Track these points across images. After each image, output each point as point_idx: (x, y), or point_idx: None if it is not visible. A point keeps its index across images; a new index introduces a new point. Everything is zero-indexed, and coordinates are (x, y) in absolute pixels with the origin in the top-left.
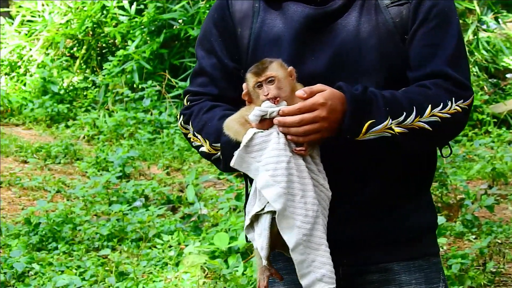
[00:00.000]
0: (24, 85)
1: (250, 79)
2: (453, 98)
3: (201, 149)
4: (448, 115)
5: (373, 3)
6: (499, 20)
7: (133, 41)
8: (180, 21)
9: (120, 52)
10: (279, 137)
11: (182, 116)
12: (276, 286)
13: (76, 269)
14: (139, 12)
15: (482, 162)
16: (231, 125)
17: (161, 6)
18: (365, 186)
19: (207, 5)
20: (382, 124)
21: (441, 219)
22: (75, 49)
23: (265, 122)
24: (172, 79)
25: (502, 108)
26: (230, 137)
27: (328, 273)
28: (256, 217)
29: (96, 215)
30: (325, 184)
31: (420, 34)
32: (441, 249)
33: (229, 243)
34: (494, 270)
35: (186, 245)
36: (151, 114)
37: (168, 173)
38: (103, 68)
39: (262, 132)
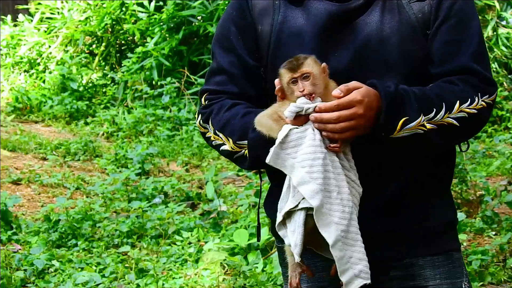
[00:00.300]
0: (43, 82)
1: (285, 75)
2: (479, 94)
3: (223, 147)
4: (475, 111)
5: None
6: None
7: (152, 38)
8: (199, 17)
9: (139, 49)
10: (314, 134)
11: (200, 115)
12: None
13: (95, 266)
14: (158, 9)
15: (502, 158)
16: (264, 121)
17: (180, 3)
18: (389, 183)
19: (226, 2)
20: (416, 121)
21: (461, 216)
22: (94, 46)
23: (300, 119)
24: (191, 76)
25: None
26: (261, 134)
27: (364, 269)
28: (289, 214)
29: (115, 212)
30: (357, 180)
31: (443, 30)
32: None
33: (248, 240)
34: None
35: (206, 242)
36: (170, 111)
37: (187, 170)
38: (122, 65)
39: (297, 128)
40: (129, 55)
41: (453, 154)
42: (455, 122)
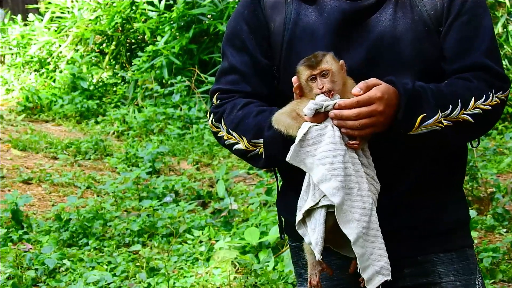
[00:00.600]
0: (54, 81)
1: (304, 72)
2: (493, 90)
3: (236, 146)
4: (489, 107)
5: None
6: None
7: (162, 36)
8: (209, 16)
9: (150, 48)
10: (334, 131)
11: (212, 115)
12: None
13: (107, 265)
14: (168, 7)
15: None
16: (282, 119)
17: (190, 2)
18: (402, 181)
19: (236, 0)
20: (434, 118)
21: (472, 213)
22: (104, 45)
23: (320, 116)
24: (202, 74)
25: None
26: (277, 132)
27: (385, 265)
28: (309, 212)
29: (126, 211)
30: (375, 177)
31: (456, 27)
32: None
33: (259, 238)
34: None
35: (217, 241)
36: (181, 110)
37: (198, 168)
38: (133, 63)
39: (317, 125)
40: (139, 54)
41: (465, 151)
42: (470, 118)
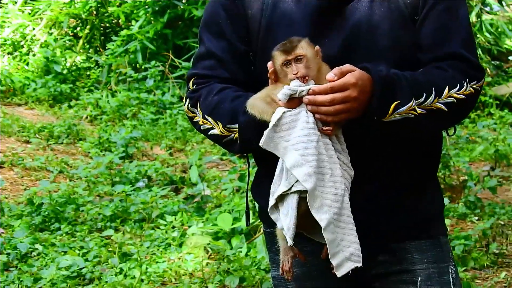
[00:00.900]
0: (27, 64)
1: (278, 57)
2: (468, 79)
3: (212, 131)
4: (463, 96)
5: None
6: (503, 2)
7: (136, 21)
8: (184, 1)
9: (124, 32)
10: (308, 116)
11: (188, 100)
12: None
13: (79, 250)
14: None
15: (485, 144)
16: (256, 104)
17: None
18: (380, 169)
19: None
20: (407, 105)
21: (444, 201)
22: (78, 28)
23: (294, 101)
24: (176, 60)
25: (504, 90)
26: (252, 117)
27: (356, 252)
28: (281, 198)
29: (99, 196)
30: (348, 163)
31: (432, 17)
32: None
33: (232, 224)
34: (497, 251)
35: (189, 226)
36: (154, 95)
37: (171, 154)
38: (107, 48)
39: (290, 111)
40: (114, 38)
41: (440, 139)
42: (444, 107)
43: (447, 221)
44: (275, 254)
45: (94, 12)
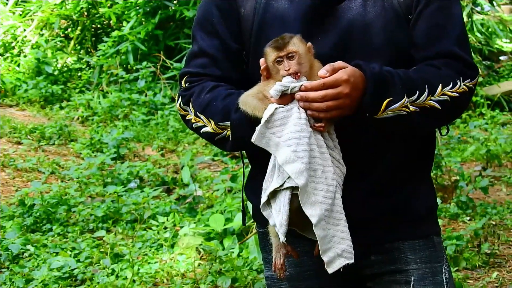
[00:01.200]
0: (18, 66)
1: (270, 54)
2: (461, 78)
3: (204, 129)
4: (457, 94)
5: None
6: (493, 2)
7: (128, 22)
8: (176, 2)
9: (115, 33)
10: (300, 113)
11: (180, 98)
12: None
13: (70, 251)
14: None
15: (476, 144)
16: (248, 101)
17: None
18: (374, 167)
19: None
20: (400, 102)
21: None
22: (69, 30)
23: (286, 98)
24: (167, 60)
25: (496, 90)
26: (244, 114)
27: (347, 248)
28: (274, 194)
29: (90, 197)
30: (341, 160)
31: (426, 15)
32: None
33: (224, 225)
34: (489, 251)
35: (181, 227)
36: (146, 95)
37: (162, 155)
38: (98, 49)
39: (283, 107)
40: (105, 39)
41: (434, 139)
42: (437, 105)
43: (439, 221)
44: (268, 254)
45: (85, 13)
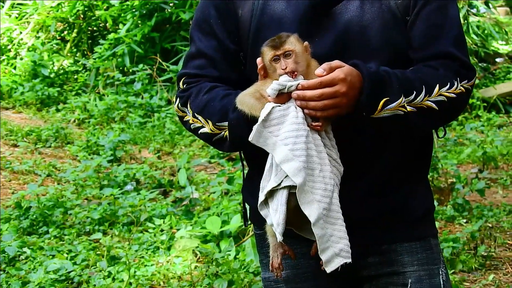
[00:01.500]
0: (14, 68)
1: (267, 53)
2: (459, 78)
3: (202, 130)
4: (454, 95)
5: None
6: (489, 4)
7: (124, 24)
8: (172, 4)
9: (111, 36)
10: (297, 111)
11: (178, 99)
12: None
13: (67, 253)
14: None
15: (473, 146)
16: (245, 100)
17: None
18: (370, 169)
19: None
20: (396, 102)
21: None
22: (66, 32)
23: (283, 96)
24: (163, 63)
25: (492, 92)
26: (242, 113)
27: (345, 247)
28: (271, 193)
29: (87, 199)
30: (338, 159)
31: (423, 15)
32: None
33: (221, 227)
34: (485, 254)
35: (178, 229)
36: (142, 98)
37: (159, 157)
38: (94, 51)
39: (280, 106)
40: (101, 41)
41: (431, 140)
42: (434, 105)
43: (436, 224)
44: (266, 256)
45: (82, 16)
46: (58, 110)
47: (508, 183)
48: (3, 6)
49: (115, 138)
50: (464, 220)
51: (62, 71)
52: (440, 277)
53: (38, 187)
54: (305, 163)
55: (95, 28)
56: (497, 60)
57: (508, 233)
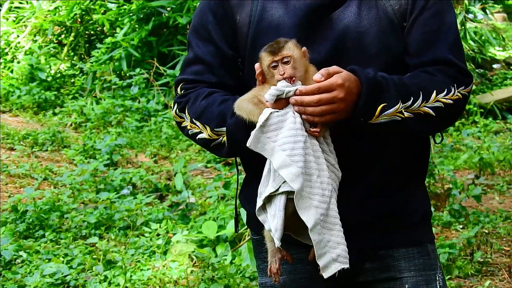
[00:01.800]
0: (11, 72)
1: (265, 58)
2: (456, 84)
3: (200, 136)
4: (451, 101)
5: None
6: (486, 10)
7: (121, 28)
8: (169, 8)
9: (108, 40)
10: (295, 117)
11: (176, 105)
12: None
13: (63, 257)
14: None
15: (469, 152)
16: (243, 105)
17: None
18: (367, 175)
19: None
20: (394, 108)
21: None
22: (63, 36)
23: (281, 102)
24: (160, 67)
25: (489, 98)
26: (240, 118)
27: (342, 253)
28: (269, 199)
29: (83, 203)
30: (336, 164)
31: (420, 21)
32: None
33: (217, 232)
34: (482, 260)
35: (174, 234)
36: (139, 102)
37: (155, 161)
38: (91, 55)
39: (278, 111)
40: (98, 45)
41: (428, 146)
42: (431, 111)
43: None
44: (263, 262)
45: (79, 20)
46: (55, 114)
47: (504, 189)
48: (0, 10)
49: (111, 142)
50: (461, 226)
51: (59, 74)
52: (437, 283)
53: (34, 191)
54: (303, 168)
55: (92, 32)
56: (494, 66)
57: (504, 239)
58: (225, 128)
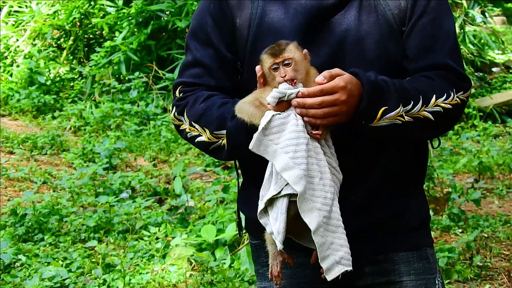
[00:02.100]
0: (11, 75)
1: (267, 61)
2: (455, 89)
3: (199, 139)
4: (450, 106)
5: None
6: (486, 14)
7: (120, 32)
8: (168, 12)
9: (108, 43)
10: (297, 119)
11: (175, 108)
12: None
13: (62, 261)
14: (126, 3)
15: (469, 156)
16: (245, 108)
17: None
18: (366, 179)
19: None
20: (395, 111)
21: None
22: (62, 40)
23: (283, 104)
24: (159, 71)
25: (488, 102)
26: (241, 121)
27: (346, 255)
28: (271, 202)
29: (82, 207)
30: (337, 167)
31: (419, 27)
32: None
33: (216, 236)
34: (481, 264)
35: (173, 237)
36: (138, 106)
37: (154, 165)
38: (90, 59)
39: (279, 114)
40: (97, 49)
41: (427, 150)
42: (430, 116)
43: (431, 233)
44: (262, 266)
45: (78, 24)
46: (54, 118)
47: (504, 193)
48: None
49: (110, 146)
50: (460, 230)
51: (58, 78)
52: (436, 286)
53: (33, 194)
54: (306, 171)
55: (91, 36)
56: (493, 69)
57: (503, 243)
58: (224, 131)
